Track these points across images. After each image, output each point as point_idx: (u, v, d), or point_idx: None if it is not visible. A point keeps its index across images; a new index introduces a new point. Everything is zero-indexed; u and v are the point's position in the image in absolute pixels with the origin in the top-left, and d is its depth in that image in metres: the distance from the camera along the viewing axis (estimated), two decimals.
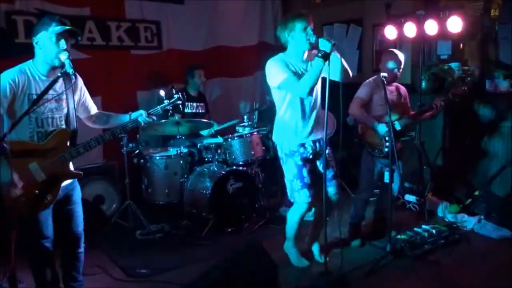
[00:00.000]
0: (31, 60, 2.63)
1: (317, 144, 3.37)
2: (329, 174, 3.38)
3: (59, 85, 2.65)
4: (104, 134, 2.75)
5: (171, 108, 3.07)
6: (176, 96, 3.08)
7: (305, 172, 3.33)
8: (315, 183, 3.36)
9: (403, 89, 4.07)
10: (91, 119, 2.97)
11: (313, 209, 3.67)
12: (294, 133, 3.31)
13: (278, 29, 3.30)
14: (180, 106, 3.11)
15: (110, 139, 2.76)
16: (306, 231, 3.73)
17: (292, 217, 3.50)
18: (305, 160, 3.33)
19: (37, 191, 2.52)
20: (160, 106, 3.03)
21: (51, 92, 2.57)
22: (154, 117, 2.96)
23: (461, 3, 4.77)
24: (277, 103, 3.37)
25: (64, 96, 2.67)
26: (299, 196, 3.36)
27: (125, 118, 2.92)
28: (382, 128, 3.69)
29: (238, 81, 6.22)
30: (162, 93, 3.13)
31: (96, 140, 2.70)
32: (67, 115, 2.70)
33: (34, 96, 2.54)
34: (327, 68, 3.01)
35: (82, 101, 2.86)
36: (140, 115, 2.88)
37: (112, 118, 2.97)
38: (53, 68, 2.62)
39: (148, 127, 4.62)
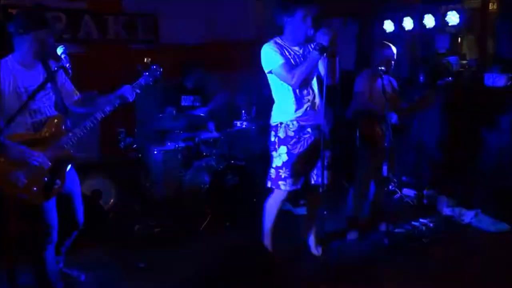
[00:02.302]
0: (10, 55, 2.67)
1: (316, 132, 3.28)
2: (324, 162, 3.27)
3: (42, 75, 2.72)
4: (96, 113, 2.82)
5: (152, 80, 3.14)
6: (154, 66, 3.17)
7: (296, 160, 3.26)
8: (305, 173, 3.33)
9: (394, 81, 4.11)
10: (77, 103, 2.99)
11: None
12: (293, 113, 3.23)
13: (277, 11, 3.20)
14: (160, 75, 3.19)
15: (102, 117, 2.84)
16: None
17: (271, 206, 3.43)
18: (301, 150, 3.26)
19: (46, 179, 2.61)
20: (141, 79, 3.09)
21: (35, 84, 2.63)
22: (137, 90, 3.03)
23: None
24: (274, 87, 3.30)
25: (49, 85, 2.73)
26: (284, 185, 3.30)
27: (111, 97, 2.97)
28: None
29: (236, 75, 6.19)
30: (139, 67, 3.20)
31: (90, 120, 2.78)
32: (56, 102, 2.79)
33: (21, 90, 2.61)
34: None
35: (65, 87, 2.91)
36: (125, 91, 2.96)
37: (99, 98, 3.00)
38: (37, 60, 2.70)
39: (146, 122, 4.63)
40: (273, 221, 3.48)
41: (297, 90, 3.20)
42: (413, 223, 4.08)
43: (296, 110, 3.23)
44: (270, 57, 3.13)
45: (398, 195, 5.07)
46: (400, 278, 3.37)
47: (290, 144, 3.25)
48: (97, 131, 4.89)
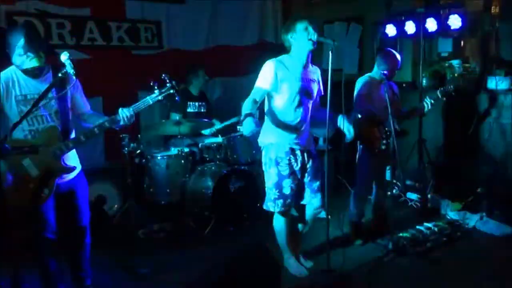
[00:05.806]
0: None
1: (305, 155, 3.29)
2: (315, 185, 3.32)
3: (47, 83, 2.68)
4: (93, 128, 2.75)
5: (163, 98, 2.82)
6: (168, 85, 2.83)
7: (286, 183, 3.23)
8: (297, 195, 3.32)
9: (394, 86, 4.12)
10: (83, 117, 2.95)
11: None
12: (284, 136, 3.21)
13: (282, 34, 3.29)
14: (176, 95, 2.85)
15: (97, 133, 2.75)
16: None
17: (278, 226, 3.41)
18: (291, 171, 3.24)
19: (32, 186, 2.62)
20: (150, 96, 2.80)
21: (36, 92, 2.65)
22: (132, 112, 2.76)
23: (461, 0, 4.76)
24: (266, 106, 3.31)
25: (51, 95, 2.67)
26: (272, 206, 3.30)
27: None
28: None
29: (239, 80, 6.22)
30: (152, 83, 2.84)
31: (84, 134, 2.73)
32: (57, 112, 2.75)
33: (20, 98, 2.64)
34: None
35: (75, 97, 2.88)
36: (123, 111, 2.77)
37: (104, 118, 2.87)
38: (44, 68, 2.74)
39: (149, 127, 4.66)
40: (286, 239, 3.43)
41: (288, 111, 3.20)
42: (417, 227, 4.07)
43: (287, 131, 3.22)
44: (261, 75, 3.17)
45: (402, 199, 5.07)
46: (405, 282, 3.36)
47: (280, 166, 3.23)
48: (101, 137, 4.92)
